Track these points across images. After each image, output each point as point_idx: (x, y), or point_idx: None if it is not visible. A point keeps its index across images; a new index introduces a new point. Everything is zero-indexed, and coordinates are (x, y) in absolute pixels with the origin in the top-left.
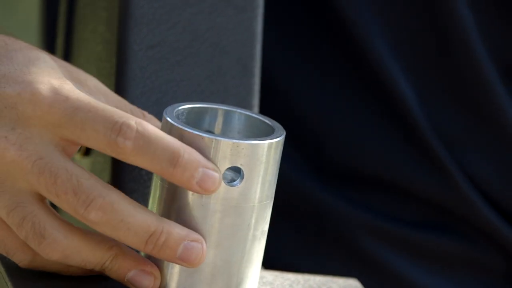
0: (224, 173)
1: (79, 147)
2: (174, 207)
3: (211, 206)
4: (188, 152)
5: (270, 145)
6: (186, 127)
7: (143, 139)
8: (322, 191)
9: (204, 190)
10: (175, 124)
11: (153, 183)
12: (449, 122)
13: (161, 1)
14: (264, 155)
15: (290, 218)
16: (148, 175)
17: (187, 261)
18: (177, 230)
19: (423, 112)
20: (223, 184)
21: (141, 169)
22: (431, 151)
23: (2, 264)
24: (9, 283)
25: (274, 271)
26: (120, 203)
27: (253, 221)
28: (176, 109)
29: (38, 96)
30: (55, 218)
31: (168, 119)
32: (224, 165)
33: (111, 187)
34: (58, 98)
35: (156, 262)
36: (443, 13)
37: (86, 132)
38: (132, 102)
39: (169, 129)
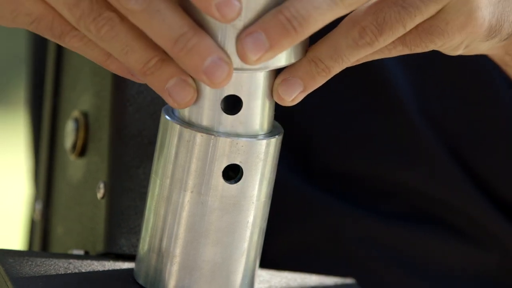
0: (222, 171)
1: None
2: (173, 205)
3: (209, 203)
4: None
5: (268, 142)
6: (185, 125)
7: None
8: (308, 186)
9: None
10: (174, 122)
11: (151, 182)
12: (442, 111)
13: None
14: (262, 152)
15: (277, 215)
16: (145, 174)
17: (210, 76)
18: (209, 40)
19: (417, 103)
20: (221, 181)
21: (137, 168)
22: (424, 141)
23: (1, 263)
24: (8, 283)
25: (270, 270)
26: None
27: (252, 218)
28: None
29: None
30: None
31: (167, 117)
32: (223, 162)
33: None
34: None
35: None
36: None
37: None
38: (128, 101)
39: (167, 127)
